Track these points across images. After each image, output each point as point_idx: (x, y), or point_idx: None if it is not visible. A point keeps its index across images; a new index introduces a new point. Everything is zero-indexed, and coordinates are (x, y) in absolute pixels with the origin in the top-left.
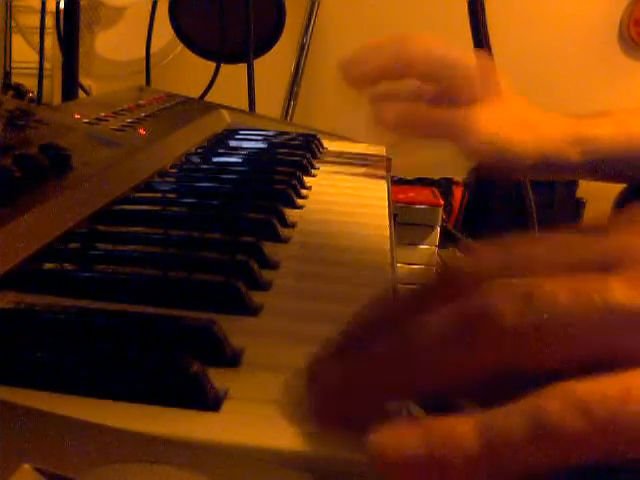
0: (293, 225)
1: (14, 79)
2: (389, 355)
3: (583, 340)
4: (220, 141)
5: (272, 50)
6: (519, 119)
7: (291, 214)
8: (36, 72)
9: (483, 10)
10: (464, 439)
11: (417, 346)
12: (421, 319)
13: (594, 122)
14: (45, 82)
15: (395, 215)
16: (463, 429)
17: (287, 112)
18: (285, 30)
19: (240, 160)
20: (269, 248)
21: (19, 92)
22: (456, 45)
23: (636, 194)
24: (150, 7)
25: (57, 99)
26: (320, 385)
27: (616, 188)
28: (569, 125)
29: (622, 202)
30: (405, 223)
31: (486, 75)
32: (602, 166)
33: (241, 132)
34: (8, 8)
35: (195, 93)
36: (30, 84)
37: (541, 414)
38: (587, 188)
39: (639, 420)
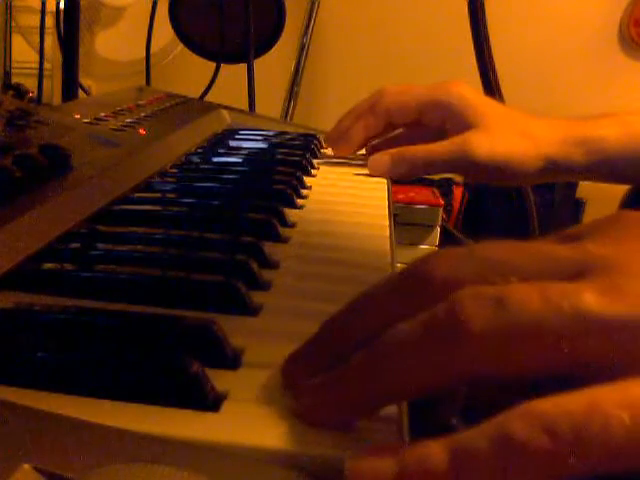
0: (293, 225)
1: (14, 79)
2: (362, 365)
3: (552, 346)
4: (220, 141)
5: (272, 50)
6: (515, 130)
7: (291, 214)
8: (36, 72)
9: (483, 10)
10: (434, 460)
11: (388, 354)
12: (392, 327)
13: (598, 123)
14: (45, 82)
15: (395, 215)
16: (434, 451)
17: (287, 112)
18: (285, 30)
19: (240, 160)
20: (269, 248)
21: (19, 92)
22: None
23: None
24: (150, 7)
25: (57, 99)
26: (299, 389)
27: (616, 188)
28: (571, 127)
29: (628, 204)
30: (405, 223)
31: (469, 101)
32: (607, 167)
33: (241, 132)
34: (8, 8)
35: (195, 93)
36: (30, 84)
37: (506, 434)
38: (587, 188)
39: (605, 434)
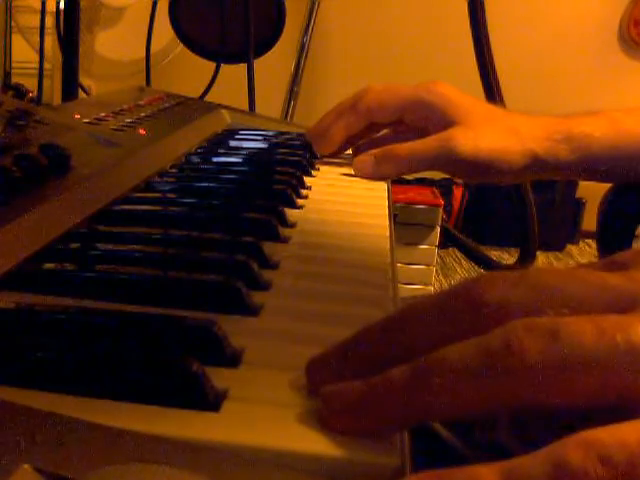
0: (293, 225)
1: (14, 79)
2: (407, 380)
3: (606, 379)
4: (220, 141)
5: (272, 50)
6: (500, 126)
7: (291, 214)
8: (36, 72)
9: (483, 10)
10: None
11: (438, 374)
12: (444, 348)
13: (584, 120)
14: (45, 82)
15: (395, 215)
16: (486, 475)
17: (287, 112)
18: (285, 30)
19: (240, 160)
20: (269, 248)
21: (19, 92)
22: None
23: (622, 195)
24: (150, 7)
25: (57, 99)
26: (328, 394)
27: None
28: (556, 123)
29: (608, 203)
30: (405, 223)
31: (451, 100)
32: (593, 164)
33: (241, 132)
34: (8, 8)
35: (195, 93)
36: (30, 84)
37: (563, 463)
38: (587, 188)
39: None
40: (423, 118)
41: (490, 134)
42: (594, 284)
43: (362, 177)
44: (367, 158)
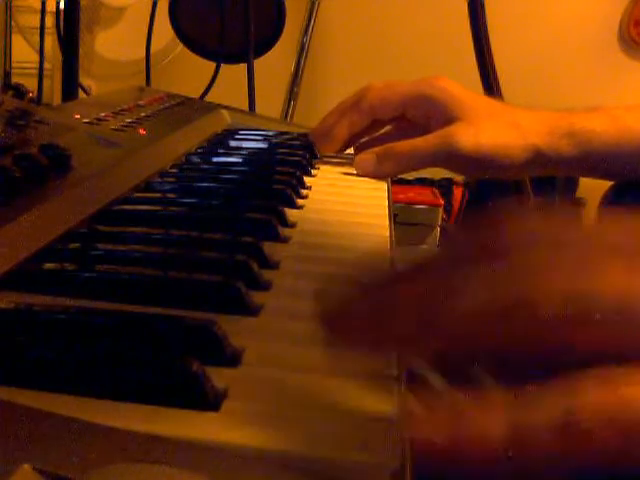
0: (293, 225)
1: (14, 79)
2: (421, 298)
3: (620, 332)
4: (220, 141)
5: (272, 50)
6: (501, 121)
7: (291, 214)
8: (36, 72)
9: (483, 10)
10: (492, 434)
11: (447, 308)
12: (462, 269)
13: (586, 116)
14: (45, 82)
15: (395, 215)
16: (493, 423)
17: (287, 112)
18: (285, 30)
19: (240, 160)
20: (269, 248)
21: (19, 92)
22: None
23: (622, 194)
24: (150, 7)
25: (57, 99)
26: (349, 308)
27: None
28: (558, 119)
29: (608, 202)
30: (405, 223)
31: (453, 94)
32: (595, 160)
33: (241, 132)
34: (8, 8)
35: (195, 93)
36: (30, 84)
37: (573, 423)
38: (587, 188)
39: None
40: (425, 113)
41: (491, 129)
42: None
43: (363, 176)
44: (368, 156)
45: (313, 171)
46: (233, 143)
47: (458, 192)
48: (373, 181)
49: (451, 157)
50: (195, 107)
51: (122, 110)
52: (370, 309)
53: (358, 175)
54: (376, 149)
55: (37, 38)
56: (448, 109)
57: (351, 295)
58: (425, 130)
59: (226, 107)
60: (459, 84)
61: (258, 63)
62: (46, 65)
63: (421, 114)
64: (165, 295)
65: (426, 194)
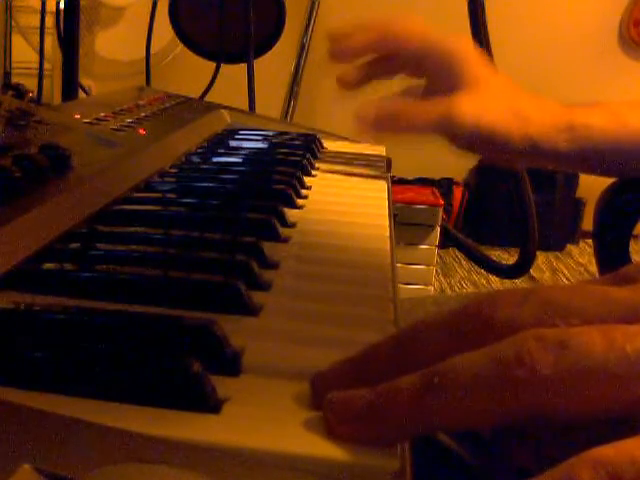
0: (293, 225)
1: (14, 79)
2: (418, 388)
3: (615, 389)
4: (220, 141)
5: (272, 50)
6: (507, 105)
7: (291, 214)
8: (36, 72)
9: (483, 10)
10: None
11: (450, 381)
12: (453, 359)
13: (587, 110)
14: (45, 82)
15: (395, 215)
16: None
17: (287, 112)
18: (285, 30)
19: (240, 160)
20: (269, 248)
21: (19, 92)
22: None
23: (620, 194)
24: (150, 7)
25: (57, 99)
26: (333, 401)
27: None
28: (560, 112)
29: (606, 201)
30: (405, 223)
31: (471, 59)
32: (594, 156)
33: (241, 132)
34: (8, 8)
35: (195, 93)
36: (30, 84)
37: None
38: (587, 188)
39: None
40: (439, 65)
41: (495, 110)
42: (600, 298)
43: (363, 134)
44: (369, 112)
45: (313, 171)
46: (233, 143)
47: (458, 192)
48: (373, 181)
49: (450, 127)
50: (195, 107)
51: (122, 110)
52: (370, 403)
53: (357, 140)
54: (378, 106)
55: (37, 38)
56: (463, 71)
57: (348, 378)
58: (433, 89)
59: (226, 107)
60: (483, 56)
61: (258, 63)
62: (46, 65)
63: (437, 68)
64: (165, 295)
65: (426, 194)
